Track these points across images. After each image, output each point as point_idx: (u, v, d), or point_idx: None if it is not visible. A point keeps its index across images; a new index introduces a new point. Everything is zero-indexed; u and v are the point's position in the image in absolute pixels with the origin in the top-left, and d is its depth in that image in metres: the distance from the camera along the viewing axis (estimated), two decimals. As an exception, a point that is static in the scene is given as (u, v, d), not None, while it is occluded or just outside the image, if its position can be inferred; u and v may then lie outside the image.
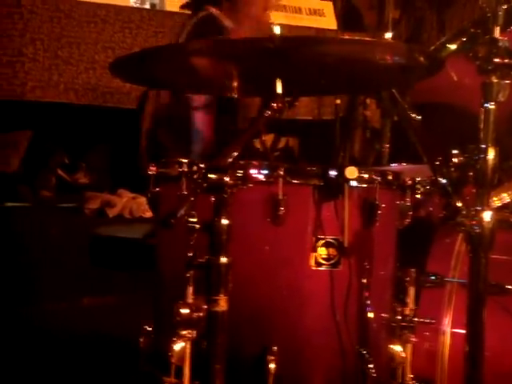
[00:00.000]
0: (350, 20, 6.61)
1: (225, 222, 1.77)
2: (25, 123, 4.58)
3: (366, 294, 2.05)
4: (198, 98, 2.66)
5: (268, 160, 2.85)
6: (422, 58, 1.88)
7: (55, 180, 5.03)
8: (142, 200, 4.42)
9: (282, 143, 3.96)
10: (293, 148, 4.52)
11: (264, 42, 1.87)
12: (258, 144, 3.78)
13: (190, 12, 3.10)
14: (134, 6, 4.56)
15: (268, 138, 4.02)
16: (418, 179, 2.14)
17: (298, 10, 4.87)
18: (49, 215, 4.36)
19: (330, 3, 4.91)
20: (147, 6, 4.72)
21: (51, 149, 5.03)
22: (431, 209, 2.41)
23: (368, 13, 6.84)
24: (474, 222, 1.84)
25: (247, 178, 1.94)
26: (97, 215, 4.45)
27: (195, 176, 1.86)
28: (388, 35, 2.64)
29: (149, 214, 3.92)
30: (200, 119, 2.68)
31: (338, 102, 3.71)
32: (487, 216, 1.84)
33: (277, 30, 1.95)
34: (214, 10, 2.88)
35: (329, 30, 4.79)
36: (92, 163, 5.20)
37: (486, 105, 1.84)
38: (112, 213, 4.41)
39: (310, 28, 4.73)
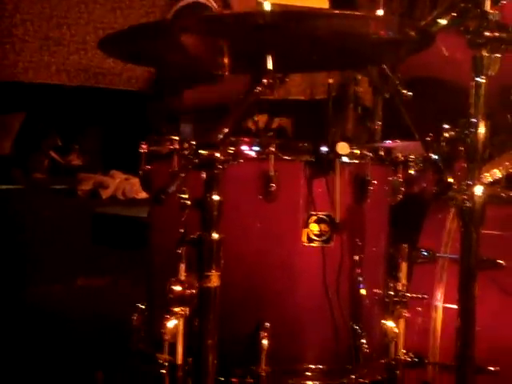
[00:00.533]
0: (343, -1, 6.58)
1: (216, 198, 1.76)
2: (17, 105, 4.57)
3: (358, 270, 2.06)
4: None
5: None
6: (412, 33, 1.87)
7: (48, 162, 5.02)
8: (135, 181, 4.41)
9: (275, 124, 3.95)
10: (286, 128, 4.51)
11: (254, 18, 1.86)
12: (250, 124, 3.77)
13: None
14: (125, -15, 4.54)
15: (261, 119, 4.02)
16: (410, 156, 2.14)
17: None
18: (42, 197, 4.36)
19: (322, -20, 4.87)
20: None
21: (44, 131, 5.02)
22: (424, 185, 2.41)
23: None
24: (465, 197, 1.84)
25: (238, 154, 1.94)
26: (90, 196, 4.45)
27: (186, 152, 1.85)
28: (380, 12, 2.63)
29: (142, 195, 3.92)
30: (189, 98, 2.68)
31: (331, 81, 3.68)
32: (478, 190, 1.84)
33: (267, 6, 1.94)
34: None
35: (320, 8, 4.75)
36: (85, 145, 5.20)
37: (476, 79, 1.84)
38: (105, 194, 4.41)
39: (301, 7, 4.70)
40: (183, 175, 1.75)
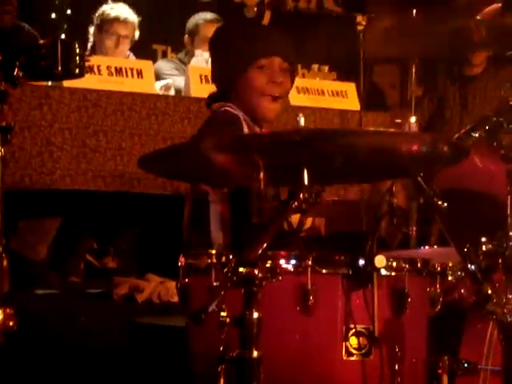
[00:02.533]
0: (373, 100, 6.68)
1: (255, 315, 1.77)
2: (54, 210, 4.63)
3: (399, 380, 2.04)
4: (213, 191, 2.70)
5: (296, 240, 2.87)
6: (445, 148, 1.90)
7: (84, 265, 5.06)
8: (171, 284, 4.41)
9: (308, 223, 3.96)
10: (319, 228, 4.52)
11: (290, 135, 1.90)
12: (284, 225, 3.79)
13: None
14: (160, 93, 4.65)
15: (293, 219, 4.03)
16: (447, 265, 2.14)
17: (321, 92, 4.92)
18: (78, 302, 4.38)
19: (353, 84, 4.96)
20: (172, 93, 4.81)
21: (80, 234, 5.07)
22: (463, 291, 2.40)
23: (390, 91, 6.93)
24: (505, 311, 1.83)
25: (276, 269, 1.95)
26: (125, 300, 4.46)
27: (225, 269, 1.87)
28: (412, 119, 2.67)
29: (177, 299, 3.91)
30: (217, 210, 2.71)
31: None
32: (518, 304, 1.84)
33: (301, 122, 1.99)
34: (230, 105, 2.93)
35: (352, 110, 4.82)
36: (120, 247, 5.24)
37: (512, 193, 1.86)
38: (141, 298, 4.42)
39: (333, 110, 4.77)
40: (222, 293, 1.76)
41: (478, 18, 1.96)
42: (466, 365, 2.20)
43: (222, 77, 2.98)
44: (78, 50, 1.99)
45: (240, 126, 2.83)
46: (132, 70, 4.40)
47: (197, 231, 2.88)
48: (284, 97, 3.00)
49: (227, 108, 2.89)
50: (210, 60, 5.00)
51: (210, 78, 4.60)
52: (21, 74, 1.93)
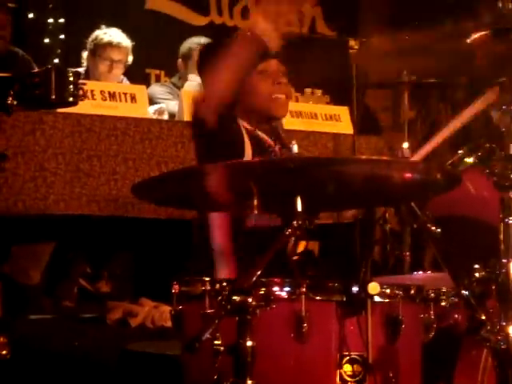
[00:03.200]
0: (366, 123, 6.70)
1: (249, 343, 1.77)
2: (47, 235, 4.62)
3: (393, 406, 2.03)
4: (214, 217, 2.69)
5: (289, 264, 2.86)
6: (438, 175, 1.91)
7: (77, 290, 5.04)
8: (164, 309, 4.40)
9: (301, 246, 3.95)
10: (313, 251, 4.51)
11: (283, 163, 1.91)
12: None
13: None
14: (153, 117, 4.65)
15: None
16: (441, 291, 2.14)
17: (314, 116, 4.93)
18: (71, 326, 4.36)
19: (346, 108, 4.97)
20: (166, 117, 4.82)
21: (73, 258, 5.06)
22: (457, 316, 2.40)
23: (383, 114, 6.95)
24: (499, 338, 1.83)
25: (270, 296, 1.95)
26: (119, 325, 4.45)
27: (219, 298, 1.86)
28: (405, 145, 2.68)
29: (171, 323, 3.90)
30: (219, 238, 2.71)
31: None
32: (512, 331, 1.84)
33: (295, 149, 1.99)
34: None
35: (345, 134, 4.83)
36: (114, 271, 5.23)
37: (505, 220, 1.86)
38: (134, 322, 4.41)
39: (326, 133, 4.78)
40: (216, 321, 1.76)
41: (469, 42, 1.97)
42: (460, 392, 2.20)
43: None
44: (71, 78, 2.00)
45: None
46: (125, 94, 4.40)
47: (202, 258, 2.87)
48: (290, 97, 3.03)
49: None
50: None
51: (203, 102, 4.66)
52: (15, 103, 1.94)
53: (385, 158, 2.01)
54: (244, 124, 2.86)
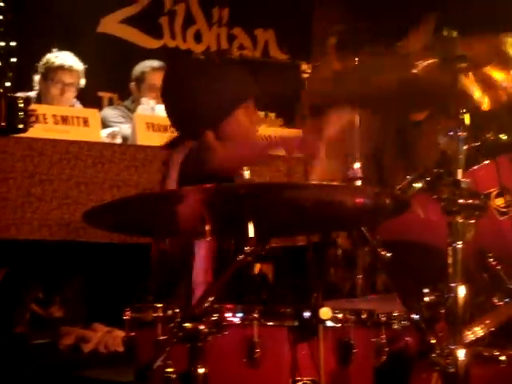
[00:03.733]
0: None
1: (201, 370, 1.77)
2: (-2, 260, 4.58)
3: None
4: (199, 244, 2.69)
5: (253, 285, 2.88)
6: (388, 200, 1.93)
7: (29, 315, 4.99)
8: (118, 333, 4.37)
9: (256, 269, 3.96)
10: (267, 274, 4.52)
11: (234, 189, 1.92)
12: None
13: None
14: (106, 141, 4.63)
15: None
16: (392, 314, 2.16)
17: (268, 139, 4.95)
18: (23, 353, 4.31)
19: (300, 131, 4.99)
20: (119, 141, 4.81)
21: (25, 284, 5.01)
22: (408, 339, 2.42)
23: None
24: (448, 361, 1.85)
25: (222, 322, 1.95)
26: (71, 351, 4.40)
27: (170, 325, 1.86)
28: (357, 165, 2.70)
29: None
30: (201, 265, 2.71)
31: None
32: (461, 354, 1.86)
33: (246, 175, 2.00)
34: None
35: (298, 157, 4.85)
36: (66, 296, 5.18)
37: (453, 244, 1.89)
38: (87, 348, 4.37)
39: (279, 156, 4.79)
40: (168, 349, 1.76)
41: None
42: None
43: (201, 119, 2.94)
44: (22, 105, 1.99)
45: None
46: (78, 118, 4.39)
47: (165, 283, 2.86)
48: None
49: None
50: (157, 107, 5.08)
51: (156, 126, 4.65)
52: (-37, 130, 1.92)
53: (335, 183, 2.02)
54: None
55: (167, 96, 3.06)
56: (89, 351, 4.39)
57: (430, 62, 1.94)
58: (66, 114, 4.37)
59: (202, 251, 2.71)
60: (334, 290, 3.53)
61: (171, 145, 3.04)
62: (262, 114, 5.66)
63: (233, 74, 3.02)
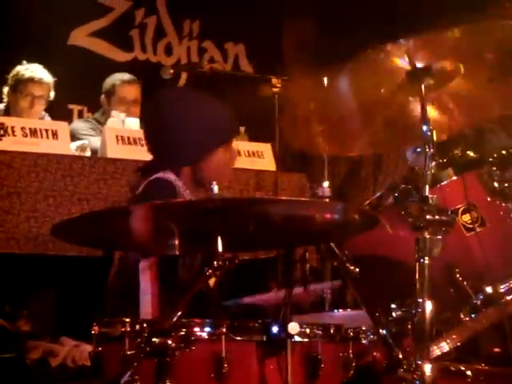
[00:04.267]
0: (289, 160, 6.75)
1: (168, 386, 1.77)
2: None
3: None
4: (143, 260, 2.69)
5: (212, 299, 2.86)
6: (357, 216, 1.94)
7: (-4, 329, 4.94)
8: (86, 347, 4.34)
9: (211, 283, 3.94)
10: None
11: (203, 203, 1.92)
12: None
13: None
14: (76, 153, 4.61)
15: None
16: (360, 329, 2.17)
17: (237, 153, 4.95)
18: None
19: (269, 145, 5.01)
20: (88, 153, 4.78)
21: (-9, 298, 4.96)
22: (376, 354, 2.43)
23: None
24: (415, 376, 1.86)
25: (190, 337, 1.95)
26: (39, 365, 4.37)
27: (138, 340, 1.85)
28: (325, 184, 2.72)
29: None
30: (146, 280, 2.70)
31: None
32: (428, 369, 1.87)
33: (215, 189, 2.01)
34: (170, 175, 2.95)
35: (267, 171, 4.87)
36: (34, 310, 5.14)
37: (420, 260, 1.90)
38: (55, 362, 4.34)
39: (249, 170, 4.81)
40: (135, 364, 1.75)
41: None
42: (379, 429, 2.21)
43: (181, 155, 2.96)
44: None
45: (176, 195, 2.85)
46: (47, 131, 4.37)
47: (122, 298, 2.85)
48: None
49: (163, 176, 2.91)
50: (127, 120, 5.06)
51: (126, 139, 4.63)
52: None
53: (304, 198, 2.03)
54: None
55: (147, 123, 3.09)
56: (56, 365, 4.35)
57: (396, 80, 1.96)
58: (35, 127, 4.35)
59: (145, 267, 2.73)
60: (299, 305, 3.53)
61: (144, 171, 3.04)
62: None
63: (219, 111, 3.03)
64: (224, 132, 2.99)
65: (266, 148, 5.03)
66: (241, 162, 4.89)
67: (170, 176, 2.93)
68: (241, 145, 5.04)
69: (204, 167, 2.95)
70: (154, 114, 3.05)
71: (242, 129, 5.64)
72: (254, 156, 5.01)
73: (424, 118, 1.90)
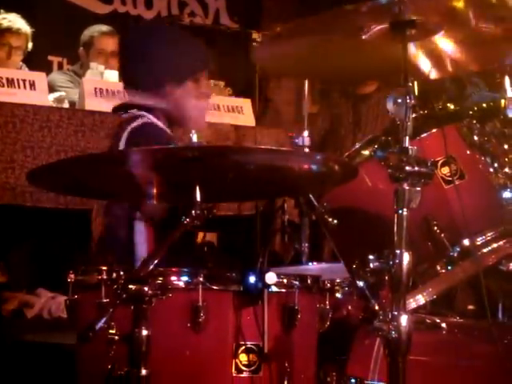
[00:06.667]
0: (269, 116, 6.73)
1: (144, 332, 1.76)
2: None
3: (288, 396, 2.05)
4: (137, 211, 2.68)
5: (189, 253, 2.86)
6: (336, 167, 1.93)
7: (-29, 280, 4.92)
8: (62, 299, 4.33)
9: (200, 238, 3.96)
10: (212, 243, 4.52)
11: (182, 152, 1.91)
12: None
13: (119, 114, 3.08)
14: (53, 105, 4.56)
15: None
16: (336, 281, 2.17)
17: (217, 108, 4.92)
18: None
19: (249, 100, 4.98)
20: (66, 105, 4.74)
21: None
22: (350, 308, 2.44)
23: (286, 108, 7.00)
24: (390, 327, 1.87)
25: (167, 285, 1.95)
26: (14, 316, 4.36)
27: (114, 286, 1.85)
28: (305, 133, 2.70)
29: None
30: (141, 232, 2.69)
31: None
32: (403, 320, 1.88)
33: (194, 138, 1.99)
34: (150, 117, 2.93)
35: (247, 126, 4.84)
36: (10, 261, 5.12)
37: (399, 211, 1.90)
38: (30, 314, 4.33)
39: (228, 125, 4.78)
40: (111, 310, 1.74)
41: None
42: (353, 380, 2.23)
43: (153, 85, 2.94)
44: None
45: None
46: (24, 81, 4.31)
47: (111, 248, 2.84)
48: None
49: (149, 121, 2.89)
50: (106, 72, 5.01)
51: (105, 91, 4.59)
52: None
53: (283, 148, 2.02)
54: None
55: (122, 55, 3.08)
56: (32, 317, 4.34)
57: (378, 27, 1.94)
58: (12, 77, 4.28)
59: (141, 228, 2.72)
60: (279, 258, 3.54)
61: (120, 110, 3.02)
62: (210, 82, 5.62)
63: (189, 43, 3.02)
64: (192, 65, 2.96)
65: (245, 103, 5.00)
66: (220, 117, 4.87)
67: (153, 119, 2.92)
68: (220, 100, 5.00)
69: (173, 102, 2.91)
70: (126, 46, 3.08)
71: (222, 83, 5.59)
72: (234, 111, 4.98)
73: (405, 68, 1.89)
